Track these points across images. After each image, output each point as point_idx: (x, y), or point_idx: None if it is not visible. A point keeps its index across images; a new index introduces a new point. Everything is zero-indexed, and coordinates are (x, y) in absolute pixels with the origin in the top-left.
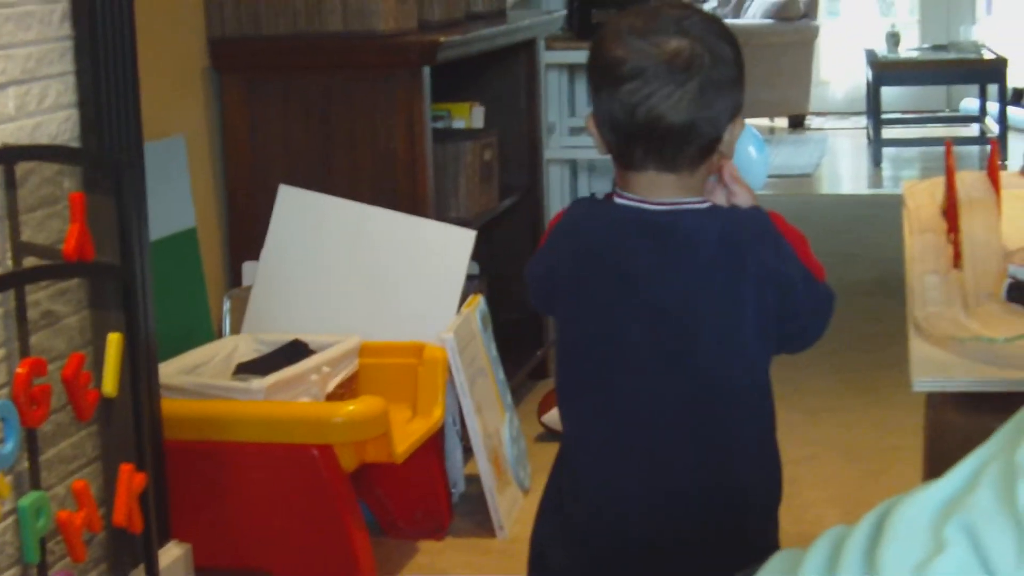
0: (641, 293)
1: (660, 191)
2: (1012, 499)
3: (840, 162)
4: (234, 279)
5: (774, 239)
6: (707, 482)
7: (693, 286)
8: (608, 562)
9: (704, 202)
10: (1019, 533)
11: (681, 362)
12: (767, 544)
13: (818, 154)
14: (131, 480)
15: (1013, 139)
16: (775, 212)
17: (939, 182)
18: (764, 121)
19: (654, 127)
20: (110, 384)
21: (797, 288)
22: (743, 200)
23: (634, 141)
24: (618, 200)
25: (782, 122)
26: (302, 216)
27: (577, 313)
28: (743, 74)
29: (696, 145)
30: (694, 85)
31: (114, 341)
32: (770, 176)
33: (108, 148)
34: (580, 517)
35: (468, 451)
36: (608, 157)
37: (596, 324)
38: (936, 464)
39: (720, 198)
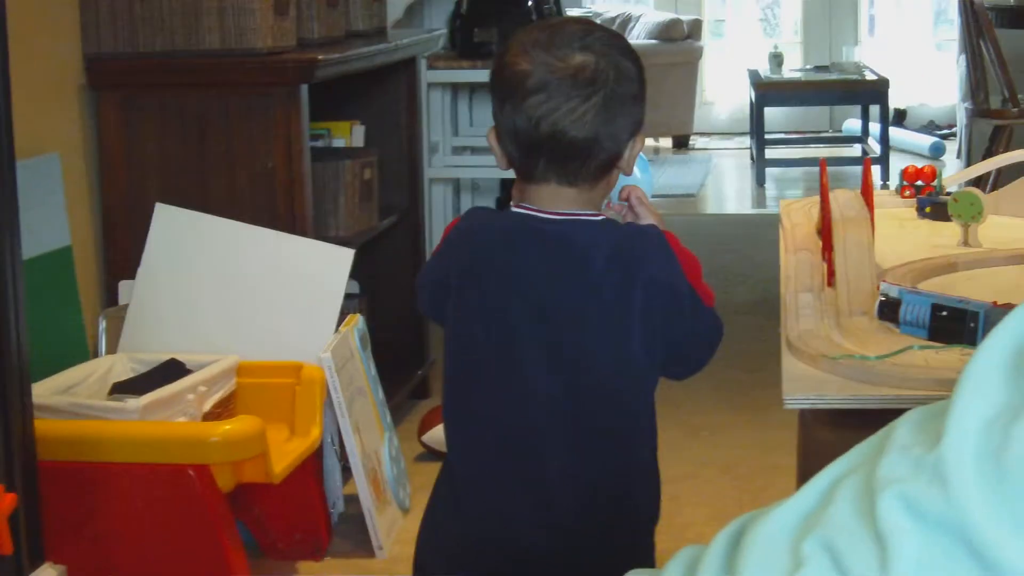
0: (531, 301)
1: (558, 203)
2: (872, 514)
3: (724, 182)
4: (110, 298)
5: (666, 255)
6: (591, 496)
7: (583, 296)
8: (498, 569)
9: (599, 215)
10: (879, 548)
11: (568, 371)
12: (646, 560)
13: (702, 174)
14: (0, 501)
15: (895, 159)
16: (670, 232)
17: (815, 201)
18: (649, 141)
19: (557, 140)
20: None
21: (684, 306)
22: (650, 223)
23: (537, 154)
24: (514, 209)
25: (666, 142)
26: (178, 235)
27: (466, 319)
28: (645, 91)
29: (598, 160)
30: (598, 100)
31: None
32: (654, 196)
33: None
34: (463, 532)
35: (347, 471)
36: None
37: (485, 331)
38: (808, 480)
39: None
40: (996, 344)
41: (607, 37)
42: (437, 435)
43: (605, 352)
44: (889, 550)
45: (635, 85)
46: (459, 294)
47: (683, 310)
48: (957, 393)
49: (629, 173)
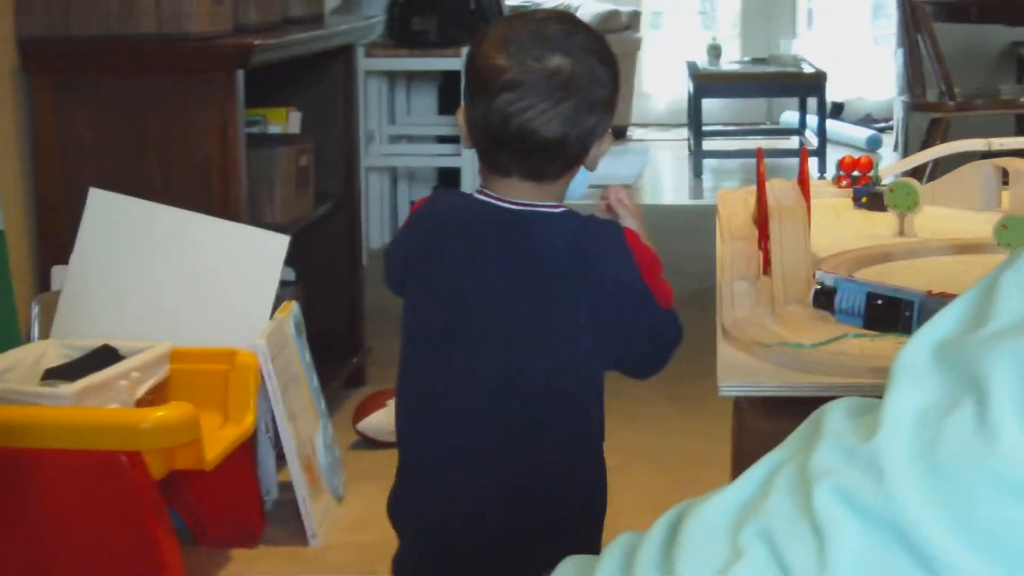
0: (484, 287)
1: (520, 195)
2: (808, 505)
3: (661, 173)
4: (43, 284)
5: (621, 251)
6: (533, 484)
7: (535, 286)
8: (441, 553)
9: (559, 207)
10: (817, 539)
11: (516, 358)
12: (593, 550)
13: (639, 165)
14: None
15: (832, 152)
16: (632, 230)
17: (752, 190)
18: None
19: (525, 139)
20: None
21: (635, 303)
22: (630, 224)
23: (503, 148)
24: (477, 195)
25: None
26: (113, 220)
27: (421, 299)
28: (617, 95)
29: (563, 159)
30: (570, 104)
31: None
32: (592, 186)
33: None
34: (415, 508)
35: (281, 458)
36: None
37: (438, 312)
38: (743, 469)
39: None
40: (924, 340)
41: (588, 41)
42: (372, 423)
43: (552, 342)
44: (826, 541)
45: (608, 90)
46: (416, 273)
47: (634, 307)
48: (890, 385)
49: (593, 170)
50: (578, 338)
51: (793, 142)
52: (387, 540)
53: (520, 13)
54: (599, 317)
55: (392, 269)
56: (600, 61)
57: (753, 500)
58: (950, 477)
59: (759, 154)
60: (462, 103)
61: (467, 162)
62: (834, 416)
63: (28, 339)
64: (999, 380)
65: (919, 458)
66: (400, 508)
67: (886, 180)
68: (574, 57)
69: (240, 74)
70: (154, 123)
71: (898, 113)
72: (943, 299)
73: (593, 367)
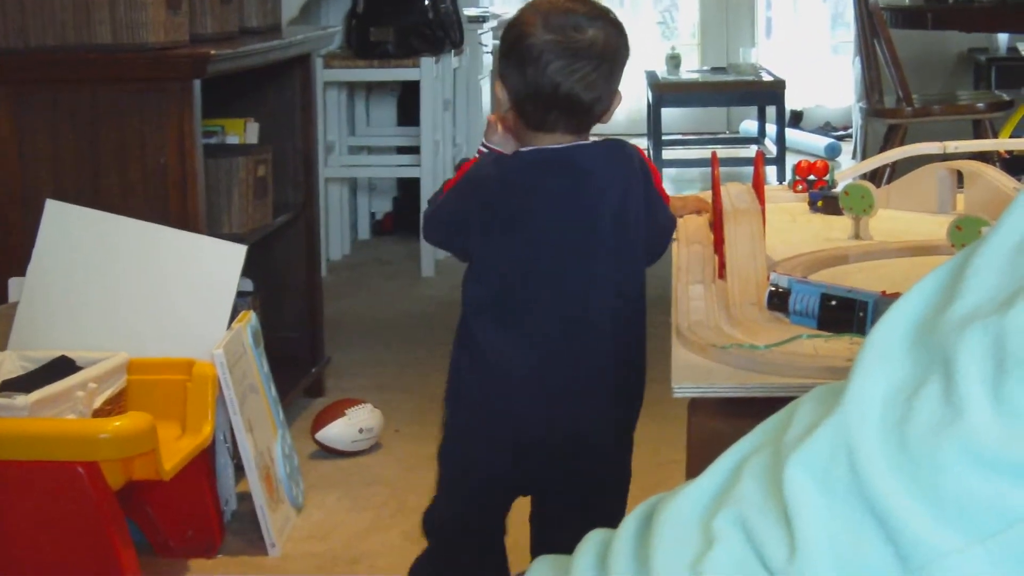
0: (549, 217)
1: (560, 144)
2: (779, 486)
3: None
4: (0, 296)
5: (645, 166)
6: (605, 382)
7: (592, 204)
8: (528, 454)
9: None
10: (786, 524)
11: (585, 273)
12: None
13: None
14: None
15: (791, 160)
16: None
17: (708, 195)
18: None
19: (572, 100)
20: None
21: (661, 206)
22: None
23: (551, 109)
24: (522, 150)
25: None
26: (69, 231)
27: (495, 239)
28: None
29: (596, 114)
30: (605, 68)
31: None
32: None
33: None
34: (504, 419)
35: (240, 469)
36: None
37: (514, 247)
38: (699, 470)
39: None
40: (896, 319)
41: (607, 14)
42: (331, 433)
43: (615, 251)
44: (796, 520)
45: (626, 55)
46: (484, 218)
47: (662, 209)
48: (857, 365)
49: (608, 120)
50: (637, 242)
51: (752, 150)
52: (347, 548)
53: (546, 1)
54: (647, 220)
55: (446, 224)
56: (618, 32)
57: (725, 488)
58: (918, 451)
59: (714, 157)
60: (497, 79)
61: (427, 172)
62: (806, 406)
63: None
64: (966, 355)
65: (888, 434)
66: (492, 430)
67: (842, 184)
68: (602, 30)
69: (197, 84)
70: (111, 133)
71: (857, 120)
72: (896, 299)
73: (642, 266)
